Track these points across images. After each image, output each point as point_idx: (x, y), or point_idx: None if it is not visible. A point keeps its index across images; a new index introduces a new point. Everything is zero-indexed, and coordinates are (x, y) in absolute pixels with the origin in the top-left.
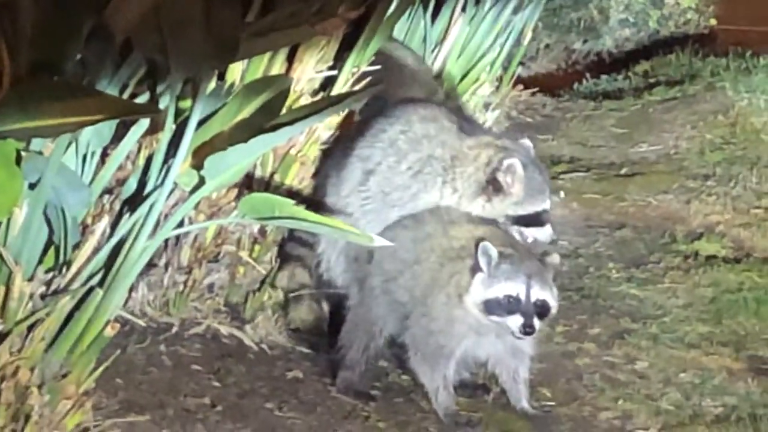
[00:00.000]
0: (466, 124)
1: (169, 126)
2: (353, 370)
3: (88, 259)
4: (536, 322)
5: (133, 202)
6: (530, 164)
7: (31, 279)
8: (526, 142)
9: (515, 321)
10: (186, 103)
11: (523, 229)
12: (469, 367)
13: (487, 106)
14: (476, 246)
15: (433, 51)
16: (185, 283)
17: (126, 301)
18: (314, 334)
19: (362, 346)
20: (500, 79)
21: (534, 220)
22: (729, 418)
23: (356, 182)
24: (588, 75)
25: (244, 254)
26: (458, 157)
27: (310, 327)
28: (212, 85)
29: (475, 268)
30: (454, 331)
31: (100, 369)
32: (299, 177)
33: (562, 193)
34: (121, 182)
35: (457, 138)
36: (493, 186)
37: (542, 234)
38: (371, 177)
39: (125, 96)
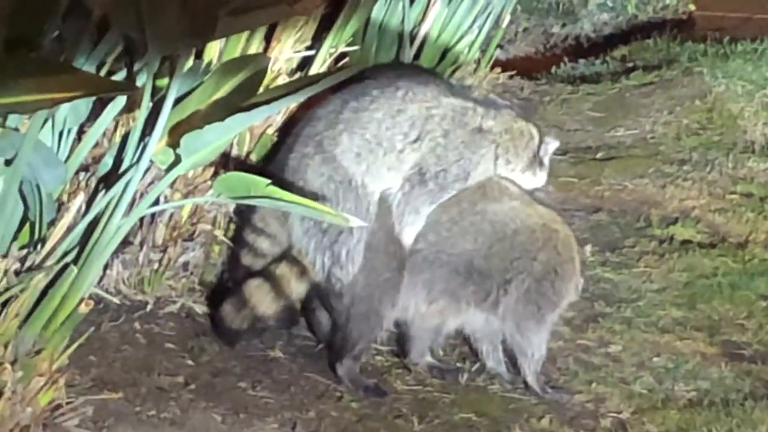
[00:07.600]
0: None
1: (146, 104)
2: (357, 360)
3: (63, 236)
4: None
5: (109, 179)
6: None
7: (5, 255)
8: None
9: None
10: (163, 81)
11: None
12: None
13: None
14: None
15: (411, 33)
16: (160, 261)
17: (100, 279)
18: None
19: (372, 338)
20: (478, 62)
21: None
22: (701, 402)
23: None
24: (566, 59)
25: (219, 233)
26: (509, 130)
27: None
28: (189, 63)
29: None
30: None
31: (74, 346)
32: None
33: None
34: (97, 159)
35: (500, 113)
36: (539, 161)
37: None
38: (413, 154)
39: (102, 73)
